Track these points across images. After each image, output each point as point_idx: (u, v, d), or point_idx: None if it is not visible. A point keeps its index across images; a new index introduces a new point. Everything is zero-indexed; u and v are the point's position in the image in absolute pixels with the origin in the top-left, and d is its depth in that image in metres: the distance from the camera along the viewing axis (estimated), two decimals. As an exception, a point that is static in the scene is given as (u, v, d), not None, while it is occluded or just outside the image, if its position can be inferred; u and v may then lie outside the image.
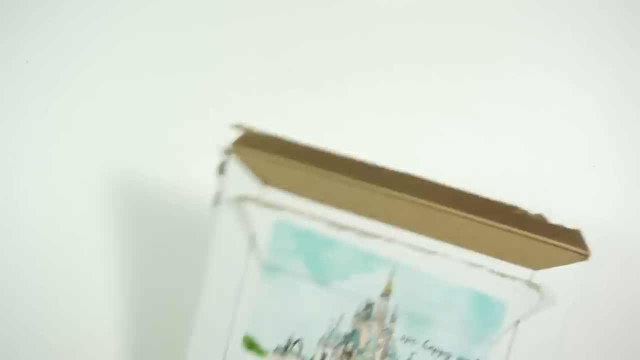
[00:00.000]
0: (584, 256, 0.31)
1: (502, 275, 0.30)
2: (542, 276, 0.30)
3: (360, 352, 0.32)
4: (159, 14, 0.46)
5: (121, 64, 0.46)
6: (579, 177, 0.45)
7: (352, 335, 0.32)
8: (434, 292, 0.31)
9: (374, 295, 0.31)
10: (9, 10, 0.46)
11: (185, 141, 0.45)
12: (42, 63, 0.46)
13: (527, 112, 0.45)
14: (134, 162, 0.45)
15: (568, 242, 0.31)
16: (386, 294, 0.31)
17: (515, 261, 0.30)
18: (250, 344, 0.32)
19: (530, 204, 0.43)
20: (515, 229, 0.30)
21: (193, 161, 0.43)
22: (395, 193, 0.30)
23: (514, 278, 0.30)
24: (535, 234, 0.30)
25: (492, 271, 0.30)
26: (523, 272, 0.30)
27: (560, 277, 0.31)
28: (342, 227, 0.30)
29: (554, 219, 0.43)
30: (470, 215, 0.30)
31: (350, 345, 0.32)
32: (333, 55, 0.46)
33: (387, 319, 0.31)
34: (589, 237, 0.42)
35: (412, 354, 0.31)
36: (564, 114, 0.45)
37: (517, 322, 0.31)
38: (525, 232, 0.30)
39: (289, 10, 0.46)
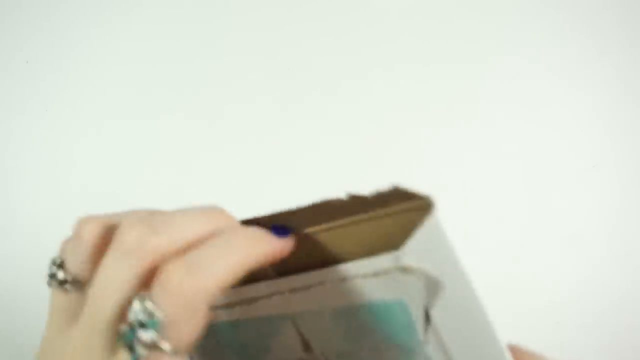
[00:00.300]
0: (427, 204, 0.25)
1: (375, 274, 0.26)
2: (411, 253, 0.26)
3: None
4: (159, 14, 0.46)
5: (121, 63, 0.46)
6: (579, 177, 0.45)
7: None
8: (340, 324, 0.28)
9: (298, 353, 0.29)
10: (9, 11, 0.46)
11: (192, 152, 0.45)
12: (42, 63, 0.46)
13: (526, 112, 0.45)
14: (136, 165, 0.45)
15: (400, 201, 0.26)
16: (307, 346, 0.29)
17: (378, 250, 0.26)
18: None
19: (530, 204, 0.43)
20: (348, 220, 0.26)
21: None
22: None
23: (387, 272, 0.26)
24: (365, 212, 0.26)
25: (364, 276, 0.27)
26: (390, 259, 0.26)
27: (425, 244, 0.26)
28: (230, 305, 0.28)
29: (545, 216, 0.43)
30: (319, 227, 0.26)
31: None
32: (333, 54, 0.46)
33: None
34: (589, 238, 0.43)
35: None
36: (563, 114, 0.45)
37: (426, 308, 0.27)
38: (358, 218, 0.26)
39: (287, 9, 0.46)
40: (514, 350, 0.28)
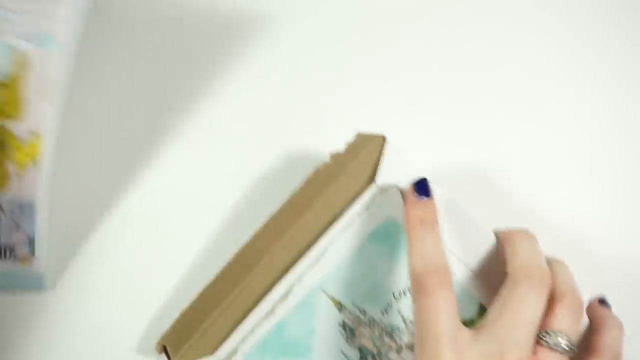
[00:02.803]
0: (381, 139, 0.34)
1: (365, 208, 0.34)
2: (384, 176, 0.33)
3: None
4: (159, 14, 0.47)
5: (122, 63, 0.47)
6: (579, 177, 0.44)
7: None
8: (355, 269, 0.34)
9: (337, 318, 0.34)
10: None
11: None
12: None
13: (526, 111, 0.44)
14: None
15: (365, 145, 0.34)
16: (340, 306, 0.34)
17: (358, 193, 0.34)
18: None
19: (530, 204, 0.42)
20: (336, 180, 0.33)
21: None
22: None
23: (371, 201, 0.34)
24: (342, 168, 0.34)
25: (359, 214, 0.34)
26: (370, 191, 0.33)
27: (392, 166, 0.34)
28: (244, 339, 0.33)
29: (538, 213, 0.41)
30: (306, 214, 0.33)
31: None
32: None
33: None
34: (588, 238, 0.41)
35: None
36: (564, 114, 0.45)
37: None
38: (343, 174, 0.33)
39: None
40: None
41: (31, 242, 0.35)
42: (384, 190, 0.33)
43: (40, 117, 0.34)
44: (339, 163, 0.34)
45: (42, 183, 0.35)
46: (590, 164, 0.44)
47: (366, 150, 0.34)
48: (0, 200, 0.34)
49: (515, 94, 0.45)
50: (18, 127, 0.34)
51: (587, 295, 0.34)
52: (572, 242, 0.42)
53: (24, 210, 0.35)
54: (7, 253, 0.35)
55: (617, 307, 0.37)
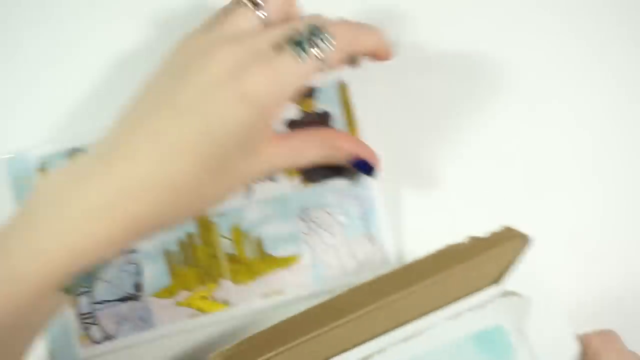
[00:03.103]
0: (524, 241, 0.32)
1: (481, 306, 0.31)
2: (509, 281, 0.31)
3: None
4: (158, 14, 0.46)
5: (121, 62, 0.46)
6: (580, 177, 0.45)
7: None
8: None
9: None
10: (9, 11, 0.47)
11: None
12: (42, 63, 0.46)
13: (526, 111, 0.45)
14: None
15: (505, 240, 0.32)
16: None
17: (481, 287, 0.31)
18: None
19: (530, 204, 0.43)
20: (462, 263, 0.31)
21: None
22: (352, 315, 0.30)
23: (491, 301, 0.31)
24: (477, 254, 0.31)
25: (471, 309, 0.31)
26: (493, 290, 0.31)
27: (523, 271, 0.32)
28: None
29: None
30: (424, 282, 0.30)
31: None
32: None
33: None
34: (589, 238, 0.42)
35: None
36: (564, 113, 0.45)
37: (520, 330, 0.32)
38: (472, 260, 0.31)
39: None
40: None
41: None
42: (507, 294, 0.32)
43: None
44: (473, 248, 0.32)
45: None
46: (592, 163, 0.45)
47: (505, 247, 0.32)
48: None
49: (514, 94, 0.45)
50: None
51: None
52: (572, 241, 0.44)
53: None
54: None
55: (617, 308, 0.39)
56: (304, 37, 0.32)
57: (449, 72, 0.45)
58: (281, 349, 0.31)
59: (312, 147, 0.38)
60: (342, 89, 0.44)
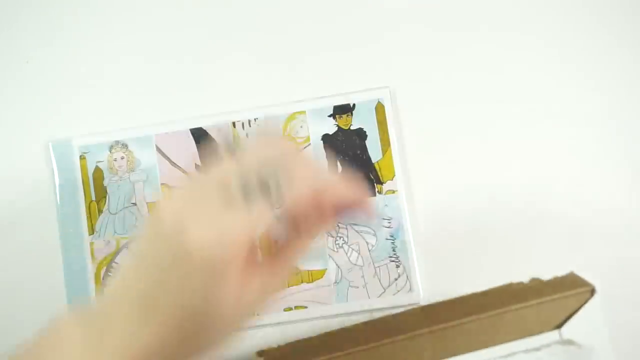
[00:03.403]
0: (590, 291, 0.33)
1: (537, 349, 0.32)
2: (569, 329, 0.32)
3: None
4: (159, 14, 0.47)
5: (121, 64, 0.47)
6: (580, 177, 0.45)
7: None
8: None
9: None
10: (8, 11, 0.48)
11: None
12: (42, 63, 0.47)
13: (527, 111, 0.45)
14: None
15: (569, 288, 0.33)
16: None
17: (538, 331, 0.32)
18: None
19: (531, 205, 0.43)
20: (521, 304, 0.32)
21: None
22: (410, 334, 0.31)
23: (548, 345, 0.32)
24: (539, 297, 0.32)
25: (526, 350, 0.32)
26: (551, 335, 0.32)
27: (582, 321, 0.32)
28: None
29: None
30: (480, 315, 0.31)
31: None
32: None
33: None
34: (590, 237, 0.43)
35: None
36: (564, 113, 0.45)
37: None
38: (532, 301, 0.32)
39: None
40: None
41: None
42: (565, 342, 0.32)
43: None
44: (534, 290, 0.33)
45: None
46: (592, 163, 0.45)
47: (567, 294, 0.33)
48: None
49: (515, 95, 0.45)
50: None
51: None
52: (572, 241, 0.43)
53: None
54: None
55: (617, 308, 0.39)
56: (254, 187, 0.29)
57: (450, 70, 0.46)
58: (328, 356, 0.32)
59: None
60: (379, 108, 0.45)
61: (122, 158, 0.45)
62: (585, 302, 0.32)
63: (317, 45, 0.46)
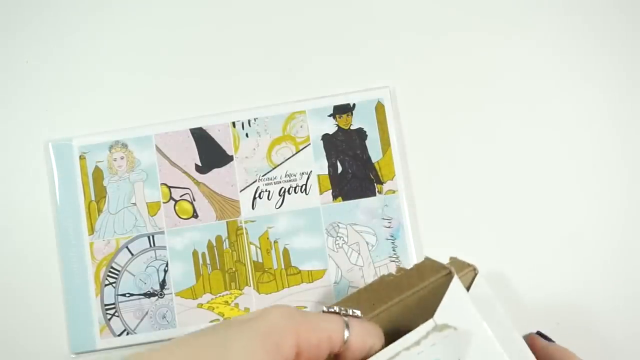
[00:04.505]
0: (449, 273, 0.32)
1: (417, 343, 0.31)
2: (441, 314, 0.31)
3: None
4: (158, 14, 0.47)
5: (120, 64, 0.47)
6: (580, 176, 0.45)
7: None
8: None
9: None
10: (8, 10, 0.48)
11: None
12: (42, 63, 0.47)
13: (527, 111, 0.45)
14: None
15: (434, 273, 0.32)
16: None
17: (411, 325, 0.31)
18: None
19: (530, 204, 0.43)
20: (400, 296, 0.32)
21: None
22: None
23: (425, 337, 0.31)
24: (412, 287, 0.32)
25: (407, 348, 0.31)
26: (426, 326, 0.31)
27: (452, 303, 0.31)
28: None
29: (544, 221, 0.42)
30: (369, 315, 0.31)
31: None
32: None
33: None
34: (590, 238, 0.43)
35: None
36: (564, 112, 0.45)
37: None
38: (408, 292, 0.32)
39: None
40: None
41: None
42: (440, 329, 0.31)
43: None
44: (406, 281, 0.33)
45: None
46: (592, 163, 0.45)
47: (432, 280, 0.33)
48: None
49: (515, 95, 0.45)
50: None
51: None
52: (572, 240, 0.44)
53: None
54: None
55: (617, 308, 0.39)
56: None
57: (449, 65, 0.46)
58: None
59: None
60: (379, 108, 0.45)
61: (122, 158, 0.45)
62: (447, 286, 0.32)
63: (317, 45, 0.46)
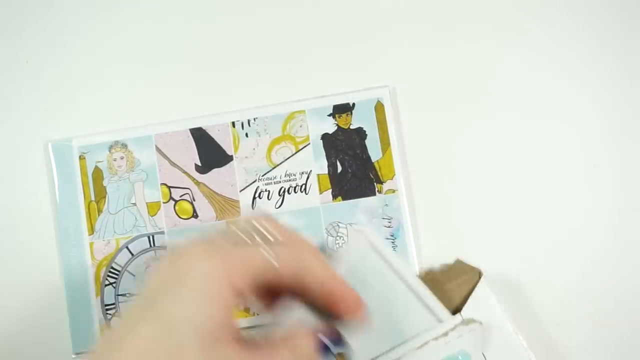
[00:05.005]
0: (478, 273, 0.38)
1: (445, 334, 0.36)
2: (468, 310, 0.37)
3: None
4: (158, 14, 0.47)
5: (120, 64, 0.47)
6: (580, 176, 0.44)
7: None
8: None
9: None
10: (8, 10, 0.48)
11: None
12: (42, 63, 0.47)
13: (527, 110, 0.45)
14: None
15: (461, 274, 0.38)
16: None
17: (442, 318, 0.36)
18: None
19: (530, 204, 0.43)
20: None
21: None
22: None
23: (453, 329, 0.36)
24: (440, 285, 0.37)
25: (436, 338, 0.36)
26: (454, 320, 0.36)
27: (479, 301, 0.37)
28: None
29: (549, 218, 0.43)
30: None
31: None
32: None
33: None
34: (590, 238, 0.43)
35: None
36: (564, 112, 0.45)
37: (481, 353, 0.36)
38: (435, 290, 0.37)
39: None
40: None
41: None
42: (467, 322, 0.36)
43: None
44: (430, 281, 0.38)
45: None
46: (593, 163, 0.45)
47: (460, 280, 0.38)
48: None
49: (515, 94, 0.45)
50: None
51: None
52: (572, 240, 0.43)
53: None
54: None
55: (617, 308, 0.40)
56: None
57: (449, 68, 0.45)
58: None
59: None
60: (378, 108, 0.45)
61: (122, 158, 0.45)
62: (476, 285, 0.38)
63: (317, 44, 0.46)
